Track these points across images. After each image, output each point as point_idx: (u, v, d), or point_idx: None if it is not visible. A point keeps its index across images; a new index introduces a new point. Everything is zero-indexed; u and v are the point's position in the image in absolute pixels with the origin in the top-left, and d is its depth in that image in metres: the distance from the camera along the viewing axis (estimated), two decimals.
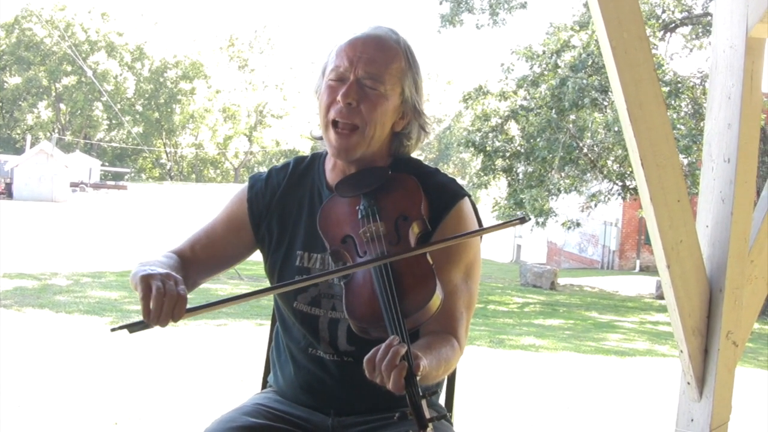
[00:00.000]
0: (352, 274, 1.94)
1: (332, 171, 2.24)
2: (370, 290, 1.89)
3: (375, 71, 2.08)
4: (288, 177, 2.29)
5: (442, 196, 2.13)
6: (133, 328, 1.76)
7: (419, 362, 1.72)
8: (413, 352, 1.73)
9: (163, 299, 1.76)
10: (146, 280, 1.78)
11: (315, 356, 2.19)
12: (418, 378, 1.70)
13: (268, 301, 2.30)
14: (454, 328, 2.04)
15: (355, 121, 2.07)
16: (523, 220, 1.89)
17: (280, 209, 2.26)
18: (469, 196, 2.17)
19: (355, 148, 2.10)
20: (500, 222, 1.91)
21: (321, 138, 2.17)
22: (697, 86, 18.93)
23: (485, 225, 2.21)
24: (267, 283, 2.31)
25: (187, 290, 2.09)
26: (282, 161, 2.42)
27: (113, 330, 1.78)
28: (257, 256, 2.35)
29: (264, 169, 2.45)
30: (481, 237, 2.11)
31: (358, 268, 1.91)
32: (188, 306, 1.80)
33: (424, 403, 1.68)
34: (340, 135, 2.08)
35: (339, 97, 2.07)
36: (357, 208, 2.06)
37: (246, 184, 2.34)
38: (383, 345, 1.71)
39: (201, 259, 2.24)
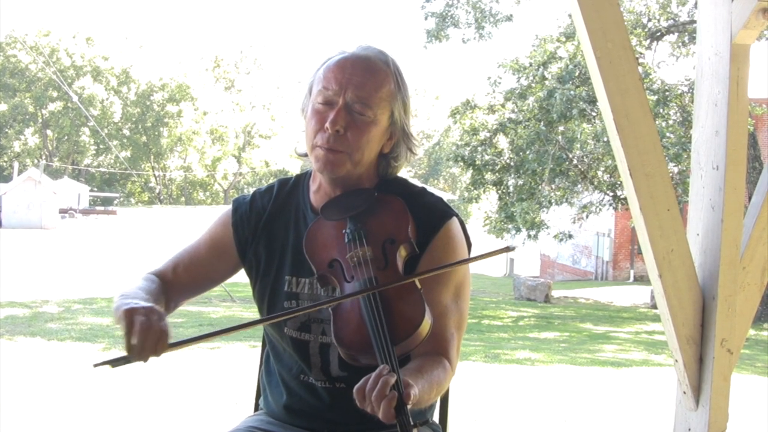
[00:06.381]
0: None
1: (317, 193, 2.21)
2: (359, 317, 1.86)
3: (364, 96, 2.03)
4: (273, 200, 2.26)
5: (430, 216, 2.10)
6: (115, 363, 1.74)
7: (410, 391, 1.70)
8: (404, 380, 1.72)
9: (147, 334, 1.74)
10: (129, 315, 1.76)
11: (306, 383, 2.17)
12: (409, 407, 1.68)
13: None
14: (445, 349, 2.01)
15: (341, 148, 2.04)
16: (508, 249, 1.86)
17: (266, 234, 2.23)
18: (457, 215, 2.15)
19: (341, 166, 2.06)
20: (486, 252, 1.88)
21: (306, 155, 2.14)
22: (685, 94, 18.94)
23: (474, 242, 2.21)
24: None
25: (168, 312, 2.08)
26: (266, 183, 2.39)
27: (96, 366, 1.75)
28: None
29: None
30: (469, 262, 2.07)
31: (348, 299, 1.88)
32: (171, 341, 1.78)
33: (415, 431, 1.67)
34: (326, 151, 2.05)
35: (327, 124, 2.02)
36: (343, 231, 2.03)
37: (230, 207, 2.31)
38: (373, 375, 1.70)
39: (182, 280, 2.22)
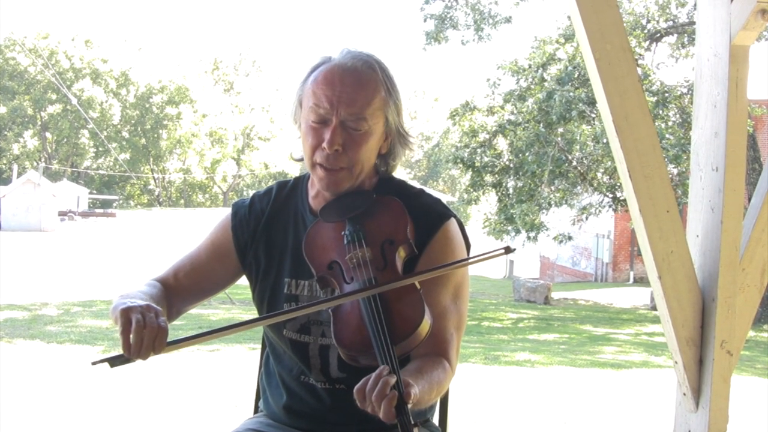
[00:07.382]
0: None
1: (315, 195, 2.21)
2: (359, 318, 1.87)
3: (357, 111, 2.02)
4: (272, 203, 2.27)
5: (428, 217, 2.11)
6: (114, 362, 1.73)
7: (410, 390, 1.71)
8: (404, 380, 1.72)
9: (143, 332, 1.72)
10: (126, 314, 1.75)
11: (307, 384, 2.17)
12: (409, 406, 1.68)
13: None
14: (444, 349, 2.02)
15: (341, 165, 2.05)
16: (508, 250, 1.85)
17: (265, 237, 2.23)
18: (456, 216, 2.15)
19: (343, 183, 2.08)
20: (485, 253, 1.87)
21: (302, 159, 2.15)
22: (685, 95, 18.95)
23: (472, 243, 2.20)
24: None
25: (171, 319, 2.06)
26: (266, 185, 2.39)
27: (94, 363, 1.73)
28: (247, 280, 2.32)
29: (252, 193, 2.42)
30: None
31: (348, 299, 1.88)
32: (170, 339, 1.77)
33: (416, 431, 1.68)
34: (327, 171, 2.06)
35: (325, 144, 2.02)
36: (342, 233, 2.03)
37: (229, 211, 2.31)
38: (373, 375, 1.70)
39: (185, 286, 2.21)
